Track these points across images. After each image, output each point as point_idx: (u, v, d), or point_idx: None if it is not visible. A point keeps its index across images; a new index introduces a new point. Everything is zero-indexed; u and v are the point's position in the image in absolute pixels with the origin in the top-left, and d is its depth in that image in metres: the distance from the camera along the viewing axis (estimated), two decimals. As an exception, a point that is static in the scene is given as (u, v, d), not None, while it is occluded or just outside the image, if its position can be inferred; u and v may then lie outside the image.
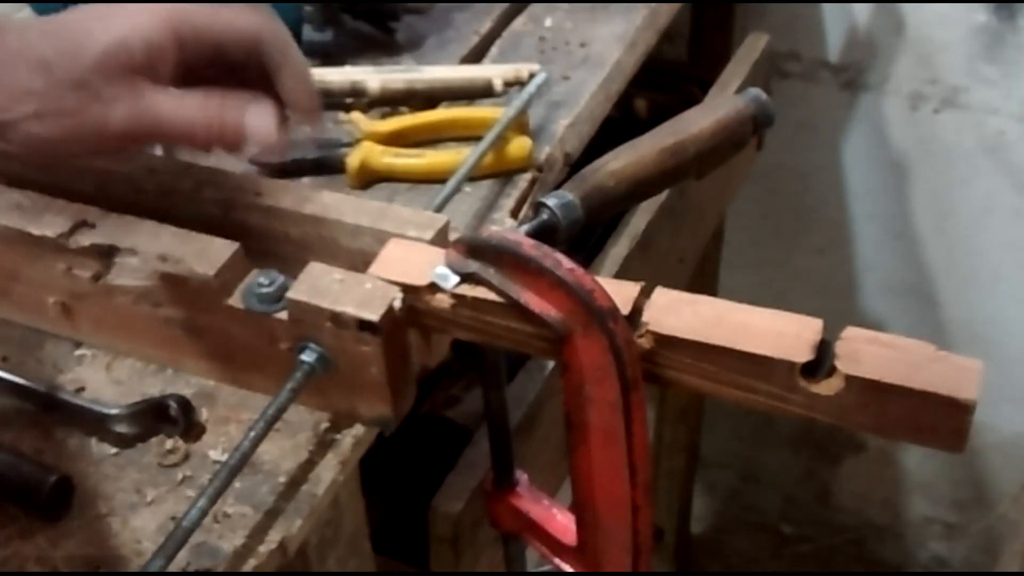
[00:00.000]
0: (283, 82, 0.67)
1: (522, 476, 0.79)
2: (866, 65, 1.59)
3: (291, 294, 0.65)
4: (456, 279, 0.63)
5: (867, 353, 0.57)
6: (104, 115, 0.64)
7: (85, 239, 0.70)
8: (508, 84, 0.96)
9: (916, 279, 1.76)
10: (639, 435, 0.62)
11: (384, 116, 0.95)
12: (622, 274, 1.00)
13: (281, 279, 0.66)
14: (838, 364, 0.57)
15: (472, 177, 0.88)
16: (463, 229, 0.64)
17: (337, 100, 0.96)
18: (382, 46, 1.05)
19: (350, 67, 0.99)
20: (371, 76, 0.96)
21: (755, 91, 0.77)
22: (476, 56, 1.06)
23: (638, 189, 0.73)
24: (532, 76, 0.95)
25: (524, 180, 0.91)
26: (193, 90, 0.66)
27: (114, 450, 0.70)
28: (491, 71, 0.98)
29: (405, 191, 0.89)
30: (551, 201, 0.69)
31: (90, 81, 0.64)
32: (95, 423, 0.70)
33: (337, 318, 0.64)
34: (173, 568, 0.59)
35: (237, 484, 0.65)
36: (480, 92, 0.97)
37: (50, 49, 0.64)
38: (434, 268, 0.64)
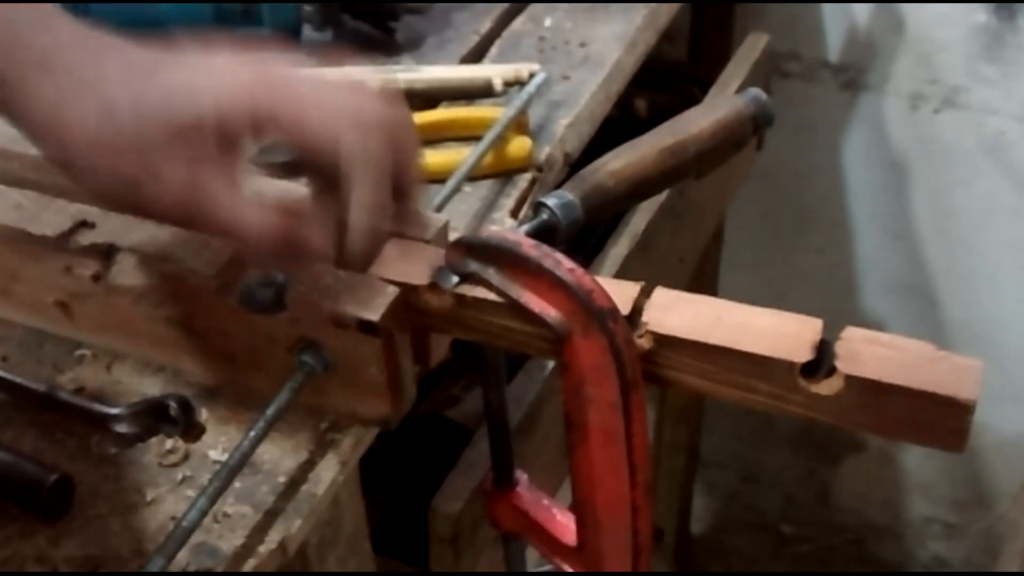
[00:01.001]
0: (345, 216, 0.60)
1: (522, 476, 0.79)
2: (866, 65, 1.59)
3: (291, 294, 0.65)
4: (456, 279, 0.63)
5: (867, 353, 0.57)
6: (157, 195, 0.58)
7: (85, 239, 0.70)
8: (508, 84, 0.96)
9: (916, 279, 1.76)
10: (639, 435, 0.62)
11: (384, 116, 0.95)
12: (622, 274, 1.00)
13: (281, 279, 0.66)
14: (838, 364, 0.57)
15: (472, 177, 0.88)
16: (463, 229, 0.64)
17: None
18: (382, 46, 1.05)
19: (350, 67, 0.99)
20: (371, 76, 0.96)
21: (755, 91, 0.77)
22: (476, 56, 1.06)
23: (638, 189, 0.73)
24: (532, 76, 0.95)
25: (524, 180, 0.91)
26: (257, 195, 0.60)
27: (114, 450, 0.70)
28: (491, 71, 0.97)
29: (405, 191, 0.89)
30: (551, 201, 0.69)
31: (150, 155, 0.57)
32: (95, 423, 0.70)
33: (337, 318, 0.64)
34: (173, 568, 0.59)
35: (237, 484, 0.65)
36: (480, 92, 0.97)
37: (124, 95, 0.57)
38: (434, 268, 0.64)
